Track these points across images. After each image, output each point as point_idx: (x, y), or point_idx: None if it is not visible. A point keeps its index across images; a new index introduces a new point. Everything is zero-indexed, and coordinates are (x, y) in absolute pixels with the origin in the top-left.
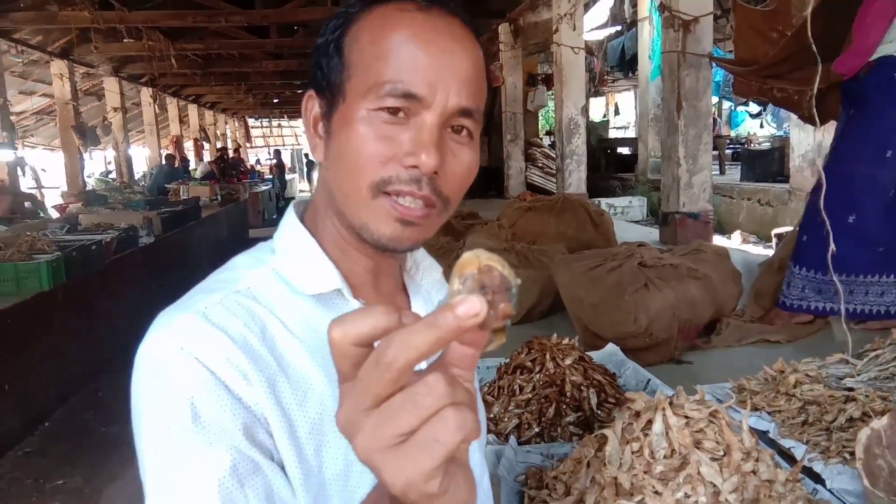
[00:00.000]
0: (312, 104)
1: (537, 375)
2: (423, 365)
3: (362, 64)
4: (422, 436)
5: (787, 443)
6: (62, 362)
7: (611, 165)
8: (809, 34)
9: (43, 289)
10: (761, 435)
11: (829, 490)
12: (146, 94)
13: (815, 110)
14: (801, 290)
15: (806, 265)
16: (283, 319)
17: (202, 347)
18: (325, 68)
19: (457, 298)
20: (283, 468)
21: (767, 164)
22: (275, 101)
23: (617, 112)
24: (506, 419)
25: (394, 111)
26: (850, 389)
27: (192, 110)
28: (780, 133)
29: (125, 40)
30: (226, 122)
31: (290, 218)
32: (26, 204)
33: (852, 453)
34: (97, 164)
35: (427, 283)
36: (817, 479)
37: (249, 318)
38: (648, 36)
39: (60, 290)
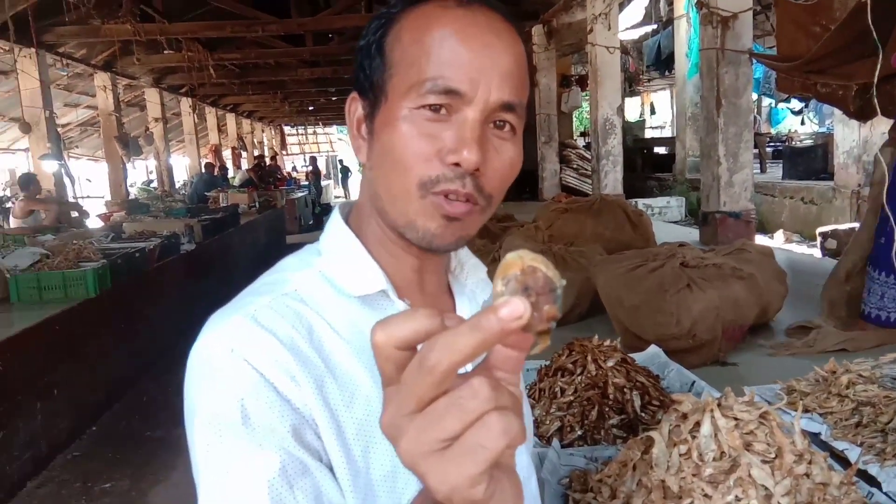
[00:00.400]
0: (356, 106)
1: (579, 378)
2: (468, 367)
3: (404, 63)
4: (466, 441)
5: (839, 445)
6: (108, 366)
7: (647, 165)
8: (869, 19)
9: (89, 295)
10: (813, 437)
11: (886, 493)
12: (186, 104)
13: (876, 102)
14: (881, 299)
15: (884, 269)
16: (329, 321)
17: (252, 349)
18: (368, 69)
19: (500, 300)
20: (331, 469)
21: (810, 161)
22: (310, 108)
23: (653, 111)
24: (547, 422)
25: (436, 108)
26: None
27: (230, 119)
28: (823, 129)
29: (165, 52)
30: (262, 131)
31: (335, 220)
32: (73, 213)
33: None
34: (139, 173)
35: (472, 283)
36: (872, 481)
37: (297, 320)
38: (685, 34)
39: (106, 296)
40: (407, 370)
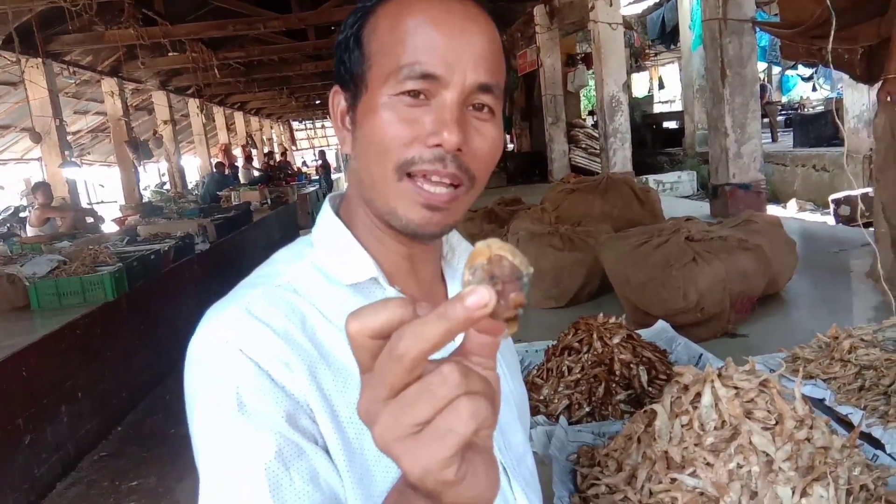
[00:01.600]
0: (338, 99)
1: (585, 356)
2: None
3: (381, 52)
4: (436, 425)
5: (844, 409)
6: (130, 368)
7: (657, 141)
8: None
9: (108, 299)
10: (817, 403)
11: (890, 455)
12: (193, 105)
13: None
14: None
15: None
16: (322, 310)
17: (246, 340)
18: (348, 62)
19: (466, 289)
20: (327, 452)
21: (821, 128)
22: (317, 102)
23: (661, 86)
24: (556, 400)
25: (414, 94)
26: None
27: (239, 117)
28: (833, 95)
29: (170, 54)
30: (271, 127)
31: (325, 211)
32: (88, 219)
33: None
34: (151, 176)
35: (461, 267)
36: (877, 444)
37: (290, 310)
38: (689, 5)
39: (124, 299)
40: (379, 359)
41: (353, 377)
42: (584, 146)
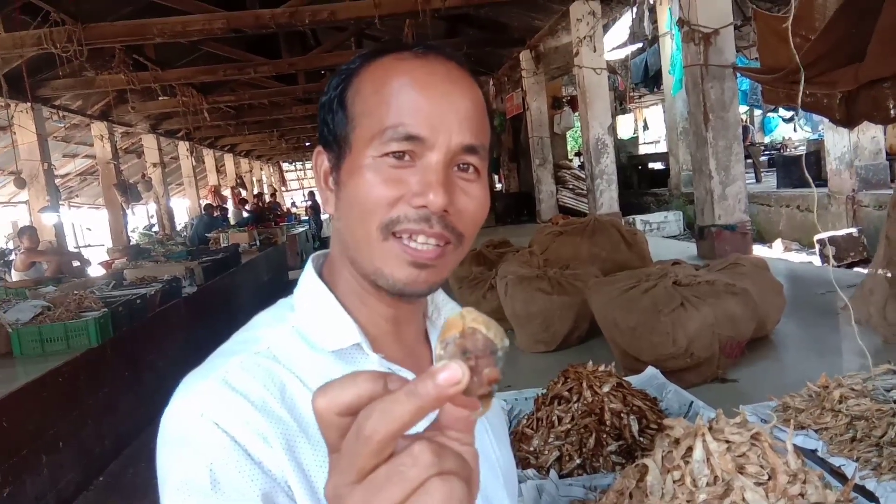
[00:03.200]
0: (322, 160)
1: (575, 405)
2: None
3: (365, 113)
4: None
5: (836, 461)
6: (114, 415)
7: (643, 181)
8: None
9: (92, 345)
10: (809, 454)
11: None
12: (183, 147)
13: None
14: None
15: None
16: (302, 378)
17: (222, 413)
18: (331, 123)
19: (438, 365)
20: None
21: (803, 169)
22: (306, 143)
23: (646, 127)
24: (546, 452)
25: (399, 155)
26: None
27: (228, 159)
28: (815, 136)
29: (160, 98)
30: (261, 168)
31: (308, 273)
32: (74, 263)
33: None
34: (140, 218)
35: None
36: (871, 497)
37: (269, 379)
38: (670, 50)
39: (109, 345)
40: (346, 438)
41: None
42: (571, 187)
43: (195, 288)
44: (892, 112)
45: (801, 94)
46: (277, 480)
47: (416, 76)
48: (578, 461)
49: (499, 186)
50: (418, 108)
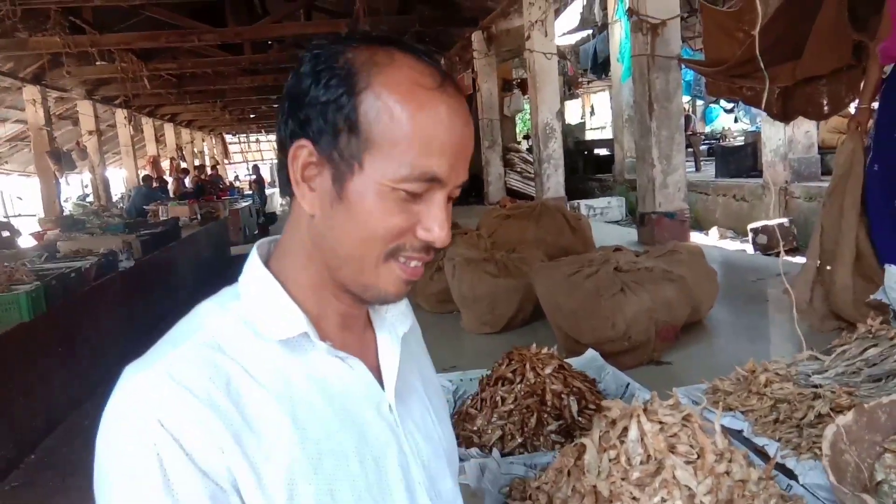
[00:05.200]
0: (303, 154)
1: (518, 386)
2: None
3: (389, 142)
4: None
5: (760, 441)
6: (47, 392)
7: (589, 167)
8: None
9: (23, 320)
10: (736, 434)
11: (802, 485)
12: (121, 115)
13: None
14: None
15: None
16: (248, 369)
17: (166, 410)
18: (331, 128)
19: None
20: None
21: (741, 159)
22: (251, 116)
23: (593, 113)
24: (489, 431)
25: (416, 194)
26: (818, 386)
27: (169, 129)
28: (753, 128)
29: (98, 63)
30: (203, 140)
31: (254, 262)
32: (3, 233)
33: None
34: (74, 188)
35: (391, 316)
36: (791, 475)
37: (214, 371)
38: (619, 38)
39: (41, 320)
40: None
41: (280, 440)
42: (519, 170)
43: (132, 262)
44: (825, 109)
45: (768, 91)
46: (223, 476)
47: (444, 115)
48: (520, 440)
49: None
50: (444, 152)
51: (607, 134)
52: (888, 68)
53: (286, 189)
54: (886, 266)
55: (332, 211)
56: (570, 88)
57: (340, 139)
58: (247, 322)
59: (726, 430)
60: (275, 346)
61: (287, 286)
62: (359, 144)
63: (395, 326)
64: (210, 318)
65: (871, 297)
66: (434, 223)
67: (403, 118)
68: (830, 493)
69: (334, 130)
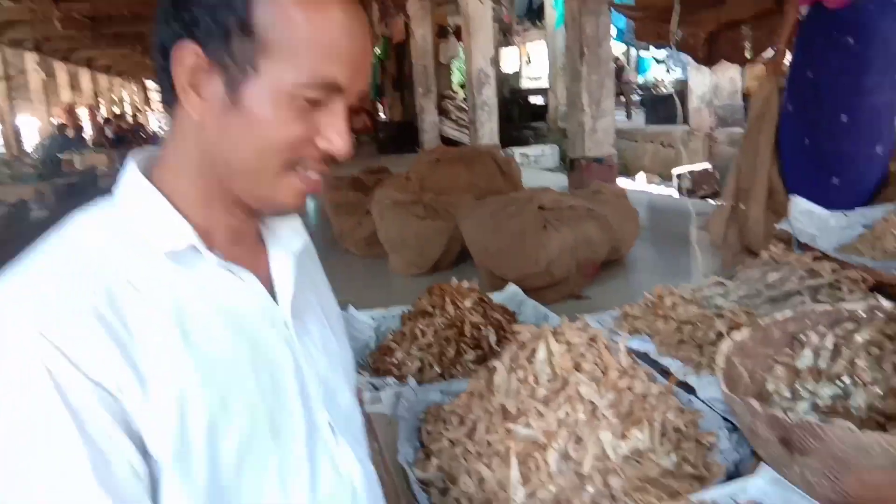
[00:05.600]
0: (188, 55)
1: (438, 319)
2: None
3: (285, 47)
4: None
5: (664, 361)
6: None
7: (524, 115)
8: None
9: None
10: (642, 356)
11: (701, 399)
12: (31, 60)
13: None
14: None
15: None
16: (131, 280)
17: (43, 320)
18: (221, 29)
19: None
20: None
21: (669, 107)
22: None
23: (529, 62)
24: (408, 363)
25: (315, 101)
26: (721, 308)
27: (85, 75)
28: (683, 78)
29: (3, 3)
30: (122, 87)
31: (132, 173)
32: None
33: None
34: None
35: (284, 232)
36: (691, 390)
37: (94, 281)
38: None
39: None
40: None
41: (168, 351)
42: (454, 118)
43: (46, 213)
44: (747, 53)
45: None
46: (115, 387)
47: (343, 20)
48: (438, 370)
49: (382, 115)
50: (344, 58)
51: (543, 84)
52: (804, 9)
53: (168, 97)
54: (791, 196)
55: (224, 119)
56: (505, 35)
57: (232, 42)
58: (128, 233)
59: (631, 351)
60: (160, 258)
61: (171, 199)
62: (253, 47)
63: (289, 243)
64: (87, 230)
65: (777, 226)
66: (334, 133)
67: (301, 21)
68: (726, 404)
69: (225, 32)
